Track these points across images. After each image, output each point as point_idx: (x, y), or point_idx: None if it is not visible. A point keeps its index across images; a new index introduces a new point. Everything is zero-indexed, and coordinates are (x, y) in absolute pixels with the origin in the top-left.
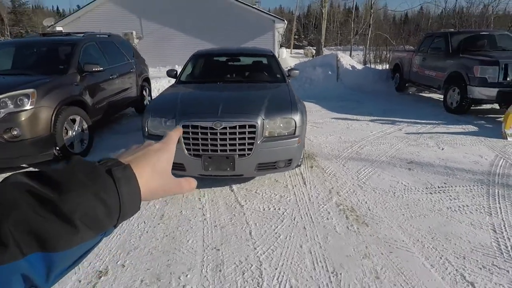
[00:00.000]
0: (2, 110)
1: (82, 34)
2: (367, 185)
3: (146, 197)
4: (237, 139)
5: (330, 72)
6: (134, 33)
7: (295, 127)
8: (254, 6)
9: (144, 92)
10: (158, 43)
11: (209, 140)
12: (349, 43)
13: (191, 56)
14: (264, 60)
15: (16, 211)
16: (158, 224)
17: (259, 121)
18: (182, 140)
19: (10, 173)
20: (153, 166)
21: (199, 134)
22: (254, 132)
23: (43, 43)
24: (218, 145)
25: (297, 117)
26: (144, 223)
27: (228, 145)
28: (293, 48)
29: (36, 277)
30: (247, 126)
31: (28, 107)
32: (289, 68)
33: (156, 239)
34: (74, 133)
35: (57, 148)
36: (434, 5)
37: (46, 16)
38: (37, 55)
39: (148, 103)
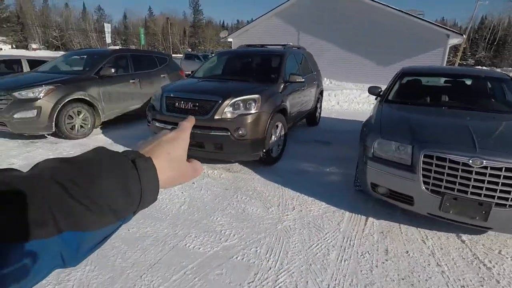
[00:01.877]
0: (236, 111)
1: (281, 47)
2: None
3: (164, 185)
4: (500, 184)
5: None
6: (291, 44)
7: None
8: (423, 18)
9: (317, 104)
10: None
11: (458, 178)
12: None
13: (399, 74)
14: (497, 85)
15: (53, 192)
16: (386, 260)
17: None
18: (420, 171)
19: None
20: (168, 154)
21: (446, 168)
22: None
23: (255, 54)
24: (470, 186)
25: None
26: (369, 254)
27: (484, 188)
28: None
29: (67, 254)
30: None
31: (253, 111)
32: None
33: (391, 280)
34: (275, 138)
35: (264, 150)
36: None
37: (215, 29)
38: (251, 64)
39: (318, 115)
